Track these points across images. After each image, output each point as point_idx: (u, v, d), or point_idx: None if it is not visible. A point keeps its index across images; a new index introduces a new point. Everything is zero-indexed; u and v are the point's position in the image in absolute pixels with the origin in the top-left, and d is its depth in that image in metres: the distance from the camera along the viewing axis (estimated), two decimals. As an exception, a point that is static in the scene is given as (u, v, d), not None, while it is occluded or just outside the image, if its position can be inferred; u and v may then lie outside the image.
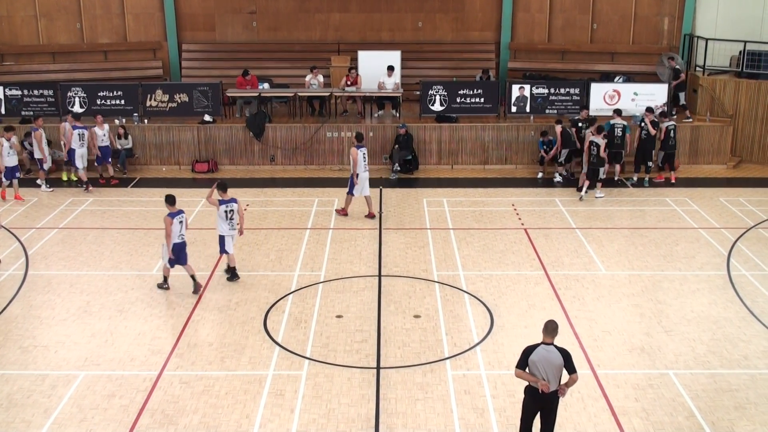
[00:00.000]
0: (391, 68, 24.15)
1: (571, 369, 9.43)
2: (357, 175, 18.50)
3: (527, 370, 9.49)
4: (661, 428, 10.68)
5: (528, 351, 9.48)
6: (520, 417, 9.88)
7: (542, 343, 9.46)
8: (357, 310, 14.16)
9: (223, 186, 15.39)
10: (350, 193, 18.85)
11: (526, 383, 9.68)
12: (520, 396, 11.26)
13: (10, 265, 16.26)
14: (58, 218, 19.07)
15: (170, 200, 14.82)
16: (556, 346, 9.44)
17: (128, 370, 12.15)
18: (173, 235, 14.47)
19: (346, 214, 19.12)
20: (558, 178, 22.21)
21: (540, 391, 9.45)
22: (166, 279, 15.10)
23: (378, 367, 12.21)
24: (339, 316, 13.92)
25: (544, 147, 22.53)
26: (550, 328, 9.46)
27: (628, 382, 11.79)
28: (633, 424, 10.78)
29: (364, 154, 18.61)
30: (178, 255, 14.70)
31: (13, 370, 12.15)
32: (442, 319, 13.83)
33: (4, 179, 20.23)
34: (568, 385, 9.49)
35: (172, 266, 14.84)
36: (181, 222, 14.69)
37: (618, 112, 21.93)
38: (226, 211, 15.21)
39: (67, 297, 14.77)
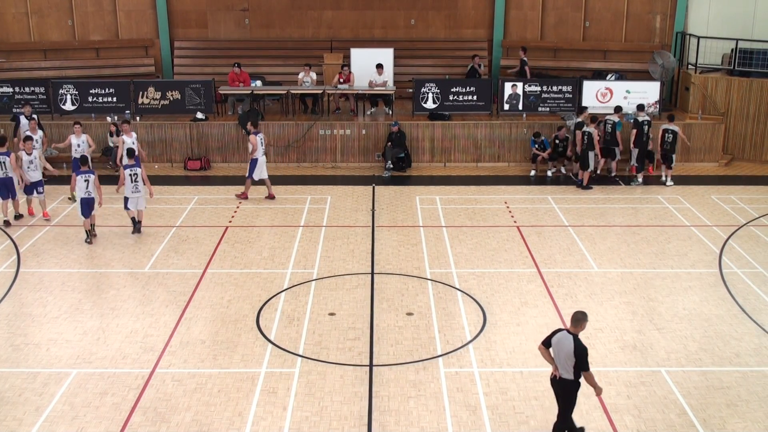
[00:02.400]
0: (380, 66, 24.13)
1: (580, 366, 9.61)
2: (257, 159, 19.99)
3: (551, 350, 9.90)
4: (652, 425, 10.71)
5: (555, 332, 9.91)
6: None
7: (565, 329, 9.89)
8: (350, 308, 14.16)
9: (129, 152, 17.97)
10: (250, 176, 20.13)
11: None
12: (513, 393, 11.37)
13: (1, 263, 16.20)
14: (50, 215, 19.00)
15: (83, 161, 17.54)
16: (576, 338, 9.64)
17: (120, 368, 12.12)
18: (79, 191, 17.12)
19: (246, 198, 20.32)
20: (552, 171, 22.37)
21: (551, 375, 9.98)
22: (87, 233, 17.39)
23: (371, 365, 12.21)
24: (332, 314, 13.92)
25: (536, 146, 22.58)
26: (573, 317, 9.77)
27: (620, 380, 11.82)
28: (625, 421, 10.80)
29: (261, 139, 20.15)
30: (83, 208, 17.15)
31: (5, 368, 12.10)
32: (434, 316, 13.84)
33: (25, 194, 18.80)
34: (590, 383, 9.80)
35: (86, 217, 17.25)
36: (86, 180, 17.07)
37: (618, 109, 22.18)
38: (130, 175, 17.53)
39: (58, 295, 14.73)
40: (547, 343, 9.89)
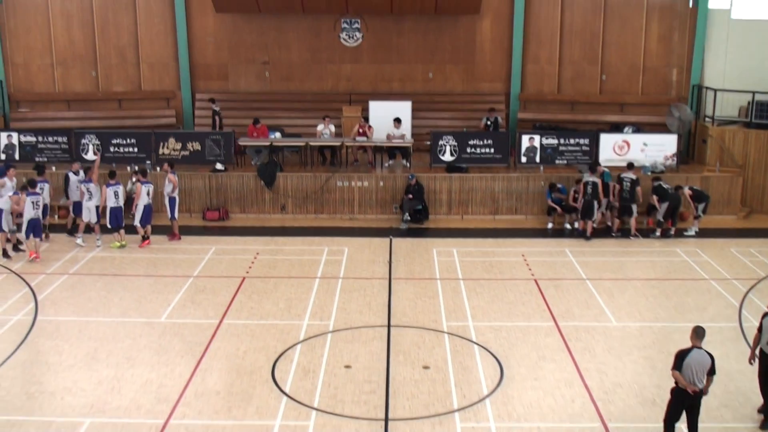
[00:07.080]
0: (397, 120, 24.34)
1: (712, 371, 10.85)
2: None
3: (681, 371, 10.79)
4: (673, 484, 10.50)
5: (683, 354, 10.83)
6: (666, 415, 11.12)
7: (693, 347, 10.86)
8: (366, 361, 14.07)
9: (111, 174, 20.79)
10: (144, 223, 20.71)
11: (672, 387, 11.02)
12: (530, 449, 11.18)
13: (19, 311, 16.28)
14: (69, 264, 19.13)
15: (31, 184, 19.47)
16: (704, 350, 10.85)
17: (134, 418, 12.07)
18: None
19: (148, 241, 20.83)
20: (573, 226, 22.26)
21: (690, 392, 10.74)
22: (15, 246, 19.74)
23: (386, 419, 12.09)
24: (347, 367, 13.83)
25: (552, 197, 22.55)
26: (700, 332, 10.93)
27: (640, 436, 11.63)
28: (645, 479, 10.61)
29: (148, 189, 20.77)
30: (34, 227, 19.19)
31: (19, 416, 12.07)
32: (451, 370, 13.72)
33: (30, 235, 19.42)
34: (708, 384, 10.96)
35: (27, 237, 19.25)
36: (33, 202, 18.99)
37: (630, 166, 22.02)
38: (114, 192, 20.32)
39: (75, 343, 14.74)
40: (678, 367, 10.75)
